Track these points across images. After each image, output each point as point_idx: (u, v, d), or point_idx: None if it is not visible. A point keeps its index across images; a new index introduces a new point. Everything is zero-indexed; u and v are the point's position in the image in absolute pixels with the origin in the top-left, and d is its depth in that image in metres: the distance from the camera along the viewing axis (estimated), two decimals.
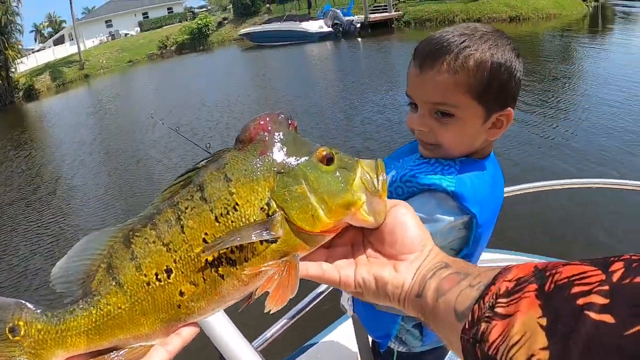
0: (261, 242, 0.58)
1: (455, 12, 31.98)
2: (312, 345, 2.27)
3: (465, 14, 31.32)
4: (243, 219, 0.58)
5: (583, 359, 0.37)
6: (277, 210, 0.58)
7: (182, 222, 0.58)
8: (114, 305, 0.57)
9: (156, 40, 45.93)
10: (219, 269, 0.57)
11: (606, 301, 0.37)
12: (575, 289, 0.41)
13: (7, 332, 0.56)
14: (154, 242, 0.58)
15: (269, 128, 0.61)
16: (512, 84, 1.17)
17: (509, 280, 0.49)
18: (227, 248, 0.57)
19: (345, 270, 0.64)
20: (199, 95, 19.04)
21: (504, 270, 0.51)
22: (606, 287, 0.38)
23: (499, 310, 0.47)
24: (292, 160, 0.60)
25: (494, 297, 0.49)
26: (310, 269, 0.63)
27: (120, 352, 0.58)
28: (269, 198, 0.58)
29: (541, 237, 5.49)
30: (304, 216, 0.58)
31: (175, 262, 0.57)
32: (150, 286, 0.57)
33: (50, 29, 69.99)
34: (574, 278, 0.42)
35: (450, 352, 2.24)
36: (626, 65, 13.76)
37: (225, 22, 48.02)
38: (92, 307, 0.57)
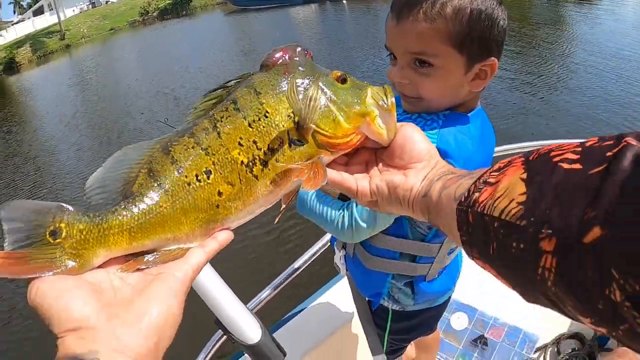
0: (289, 146, 0.65)
1: None
2: (307, 306, 2.27)
3: None
4: (272, 124, 0.65)
5: (555, 197, 0.43)
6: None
7: (218, 129, 0.64)
8: (156, 203, 0.61)
9: (137, 6, 44.95)
10: (253, 169, 0.64)
11: (577, 157, 0.44)
12: (554, 153, 0.47)
13: (47, 235, 0.57)
14: (193, 147, 0.63)
15: (290, 55, 0.69)
16: (495, 32, 1.12)
17: (501, 162, 0.55)
18: (260, 150, 0.64)
19: (361, 181, 0.71)
20: (183, 61, 18.72)
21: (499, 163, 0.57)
22: (579, 149, 0.45)
23: (489, 180, 0.53)
24: (312, 77, 0.68)
25: (488, 174, 0.55)
26: (331, 174, 0.70)
27: (159, 253, 0.61)
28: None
29: None
30: (326, 121, 0.66)
31: (214, 164, 0.62)
32: (191, 186, 0.62)
33: (29, 0, 68.25)
34: (554, 147, 0.48)
35: (445, 314, 2.25)
36: (616, 32, 13.65)
37: None
38: (134, 206, 0.60)
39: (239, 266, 5.04)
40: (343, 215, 1.30)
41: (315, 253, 1.98)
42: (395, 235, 1.34)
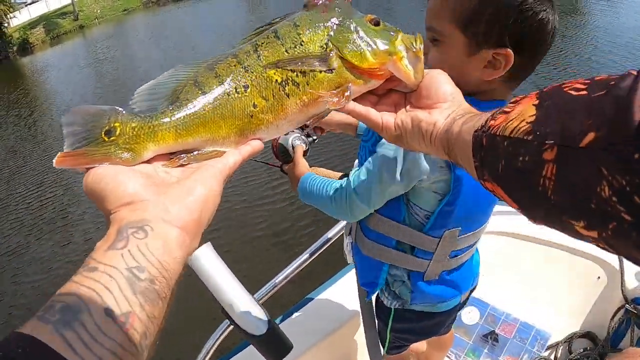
0: (320, 71, 0.72)
1: None
2: (314, 297, 2.25)
3: None
4: (306, 52, 0.72)
5: (559, 114, 0.48)
6: (333, 48, 0.73)
7: (258, 52, 0.72)
8: (201, 106, 0.69)
9: None
10: (286, 88, 0.71)
11: (584, 86, 0.48)
12: (565, 84, 0.51)
13: (102, 135, 0.65)
14: (234, 65, 0.71)
15: None
16: (508, 23, 1.05)
17: (518, 97, 0.59)
18: (294, 72, 0.71)
19: (386, 116, 0.77)
20: (198, 44, 18.72)
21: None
22: (588, 81, 0.49)
23: (505, 109, 0.58)
24: (346, 17, 0.75)
25: (505, 106, 0.59)
26: (357, 106, 0.76)
27: (199, 152, 0.68)
28: (328, 40, 0.73)
29: None
30: (354, 53, 0.73)
31: (252, 80, 0.71)
32: (230, 96, 0.70)
33: None
34: (566, 82, 0.52)
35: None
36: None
37: None
38: (181, 108, 0.68)
39: (248, 257, 5.04)
40: (340, 191, 1.32)
41: (324, 243, 1.95)
42: (391, 218, 1.32)
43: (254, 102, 0.71)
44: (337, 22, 0.75)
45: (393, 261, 1.39)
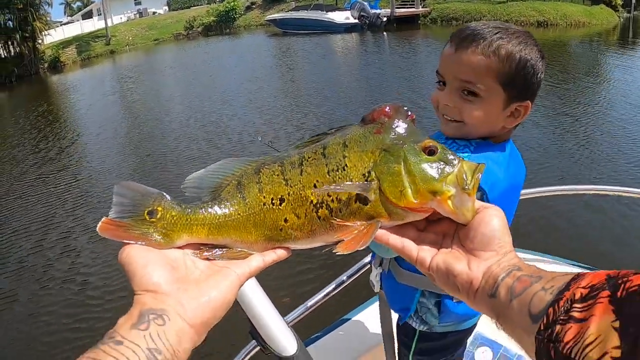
0: (355, 201, 0.70)
1: (482, 13, 31.83)
2: (341, 323, 2.32)
3: (493, 15, 31.12)
4: (347, 178, 0.71)
5: None
6: (375, 179, 0.70)
7: (302, 167, 0.72)
8: (235, 211, 0.72)
9: (183, 20, 45.88)
10: (319, 211, 0.71)
11: None
12: None
13: (145, 214, 0.70)
14: (277, 175, 0.73)
15: (390, 114, 0.73)
16: (534, 81, 1.30)
17: (584, 287, 0.53)
18: (329, 197, 0.71)
19: (424, 252, 0.71)
20: (224, 81, 19.12)
21: (577, 277, 0.56)
22: None
23: (574, 314, 0.52)
24: (398, 143, 0.71)
25: (569, 302, 0.53)
26: (391, 238, 0.72)
27: (228, 250, 0.72)
28: (371, 168, 0.71)
29: (562, 240, 5.56)
30: (393, 189, 0.69)
31: (289, 195, 0.72)
32: (265, 206, 0.72)
33: (79, 3, 70.32)
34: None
35: (470, 347, 2.30)
36: None
37: (254, 6, 47.91)
38: (218, 208, 0.72)
39: (282, 278, 5.13)
40: None
41: (353, 274, 2.05)
42: None
43: (285, 217, 0.72)
44: (385, 149, 0.71)
45: (426, 287, 1.48)
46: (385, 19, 33.48)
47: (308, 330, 2.37)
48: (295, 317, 1.87)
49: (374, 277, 1.68)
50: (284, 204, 0.72)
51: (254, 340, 1.25)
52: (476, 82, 1.26)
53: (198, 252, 0.71)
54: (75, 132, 14.54)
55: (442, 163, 0.70)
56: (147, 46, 41.28)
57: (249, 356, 1.68)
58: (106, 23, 41.64)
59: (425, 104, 10.56)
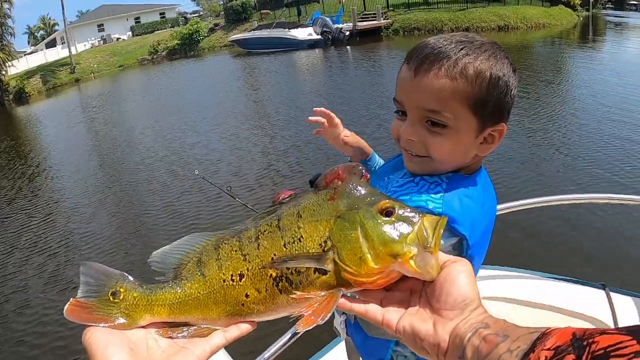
0: (314, 272, 0.70)
1: (443, 21, 32.19)
2: None
3: (454, 23, 31.54)
4: (304, 250, 0.70)
5: None
6: (332, 248, 0.69)
7: (259, 241, 0.72)
8: (195, 290, 0.73)
9: (147, 45, 45.89)
10: (279, 284, 0.71)
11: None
12: (611, 350, 0.45)
13: (109, 294, 0.72)
14: (235, 251, 0.73)
15: (343, 177, 0.73)
16: (508, 100, 1.11)
17: (548, 349, 0.52)
18: (288, 269, 0.70)
19: (390, 314, 0.70)
20: (190, 106, 19.15)
21: (543, 336, 0.54)
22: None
23: None
24: (353, 208, 0.70)
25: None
26: (354, 305, 0.71)
27: (191, 328, 0.73)
28: (327, 237, 0.70)
29: (538, 253, 5.59)
30: (352, 257, 0.68)
31: (248, 270, 0.72)
32: (225, 283, 0.73)
33: (43, 32, 69.76)
34: (609, 349, 0.45)
35: None
36: (617, 76, 14.05)
37: (217, 28, 48.06)
38: (179, 288, 0.73)
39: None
40: None
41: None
42: None
43: (246, 292, 0.72)
44: (340, 215, 0.70)
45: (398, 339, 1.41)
46: (348, 33, 33.69)
47: None
48: None
49: (339, 324, 1.55)
50: (243, 280, 0.72)
51: None
52: (442, 110, 1.06)
53: (161, 331, 0.72)
54: (36, 169, 14.30)
55: (400, 223, 0.68)
56: (112, 72, 41.06)
57: None
58: (70, 51, 41.46)
59: (392, 118, 10.61)
